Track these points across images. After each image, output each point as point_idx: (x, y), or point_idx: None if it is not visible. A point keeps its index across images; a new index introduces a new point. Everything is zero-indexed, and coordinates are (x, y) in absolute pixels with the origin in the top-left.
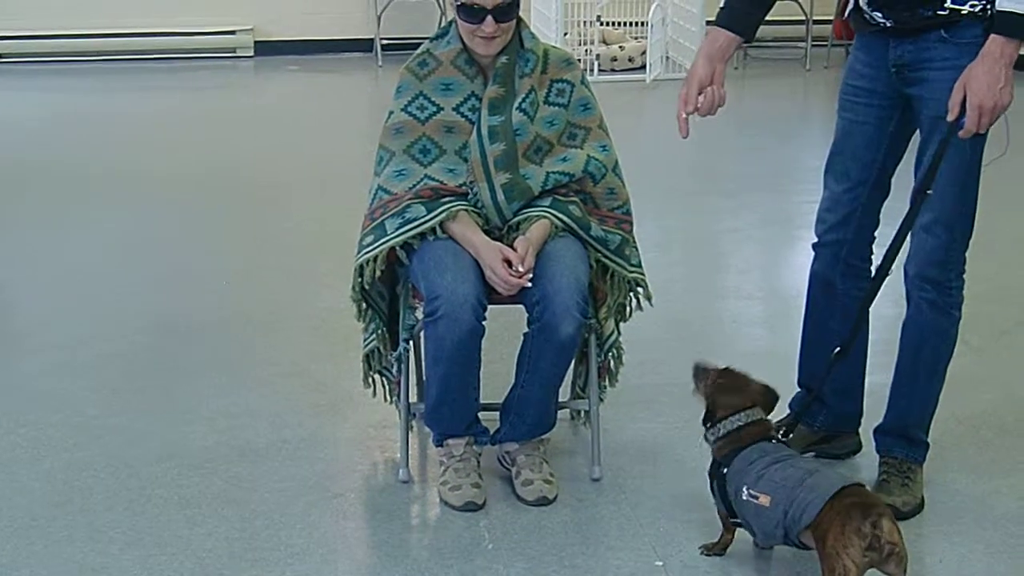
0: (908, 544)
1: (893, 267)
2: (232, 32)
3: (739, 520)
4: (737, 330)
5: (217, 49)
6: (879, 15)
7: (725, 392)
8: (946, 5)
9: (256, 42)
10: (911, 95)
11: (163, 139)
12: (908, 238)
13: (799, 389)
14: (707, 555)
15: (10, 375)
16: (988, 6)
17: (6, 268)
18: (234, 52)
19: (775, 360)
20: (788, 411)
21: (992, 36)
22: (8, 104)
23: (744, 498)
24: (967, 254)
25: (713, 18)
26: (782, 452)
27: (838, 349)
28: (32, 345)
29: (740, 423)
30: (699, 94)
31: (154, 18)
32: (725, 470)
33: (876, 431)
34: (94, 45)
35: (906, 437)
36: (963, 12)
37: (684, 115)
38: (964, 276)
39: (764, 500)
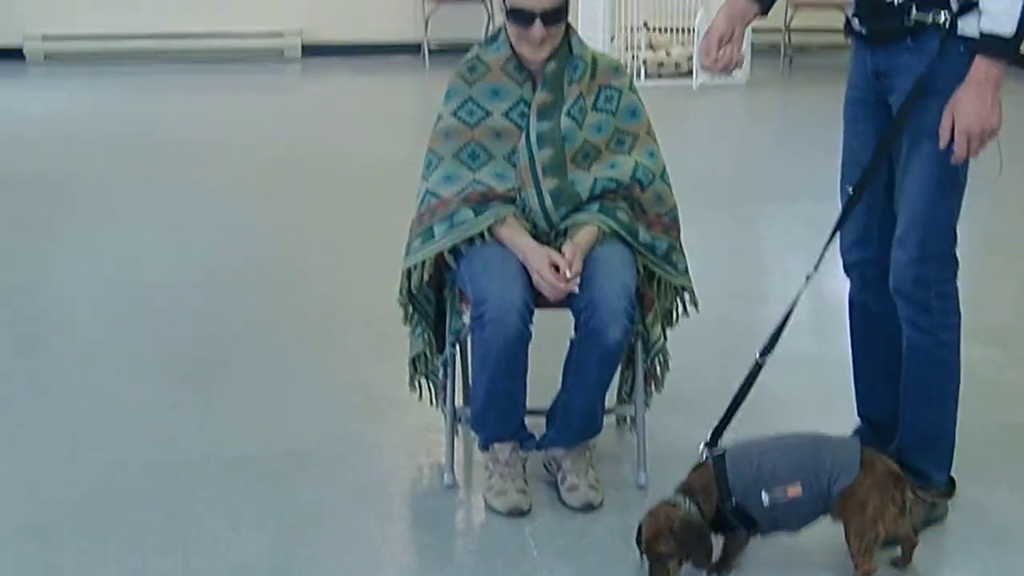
0: (954, 561)
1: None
2: (280, 34)
3: (765, 531)
4: (783, 336)
5: (264, 51)
6: (856, 22)
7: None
8: (911, 16)
9: (304, 44)
10: (890, 104)
11: (210, 140)
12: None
13: (859, 420)
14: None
15: (48, 375)
16: (950, 17)
17: (48, 268)
18: (282, 54)
19: (821, 366)
20: None
21: (976, 59)
22: (55, 103)
23: (767, 504)
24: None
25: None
26: (757, 445)
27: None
28: (71, 345)
29: (682, 491)
30: (719, 48)
31: (202, 19)
32: (734, 501)
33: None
34: (141, 46)
35: (905, 466)
36: (927, 23)
37: (705, 65)
38: (952, 300)
39: (794, 491)
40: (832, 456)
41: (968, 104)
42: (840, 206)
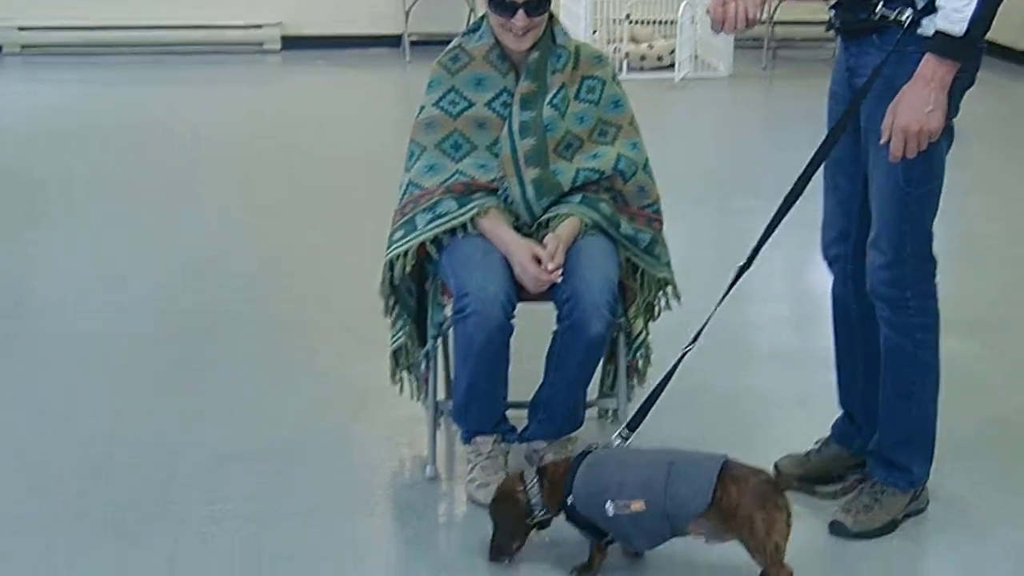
0: (934, 553)
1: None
2: (259, 26)
3: (611, 538)
4: (764, 332)
5: (244, 43)
6: (832, 14)
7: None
8: (877, 10)
9: (283, 36)
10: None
11: (188, 132)
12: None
13: (840, 412)
14: None
15: (34, 372)
16: (915, 16)
17: (29, 265)
18: (261, 46)
19: (802, 361)
20: (830, 433)
21: (925, 57)
22: (31, 95)
23: (613, 513)
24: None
25: None
26: (618, 455)
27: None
28: (57, 341)
29: (536, 470)
30: (722, 4)
31: (180, 11)
32: (571, 500)
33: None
34: (119, 37)
35: (886, 460)
36: (890, 18)
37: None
38: (930, 299)
39: (637, 506)
40: (685, 480)
41: (909, 101)
42: (822, 203)
